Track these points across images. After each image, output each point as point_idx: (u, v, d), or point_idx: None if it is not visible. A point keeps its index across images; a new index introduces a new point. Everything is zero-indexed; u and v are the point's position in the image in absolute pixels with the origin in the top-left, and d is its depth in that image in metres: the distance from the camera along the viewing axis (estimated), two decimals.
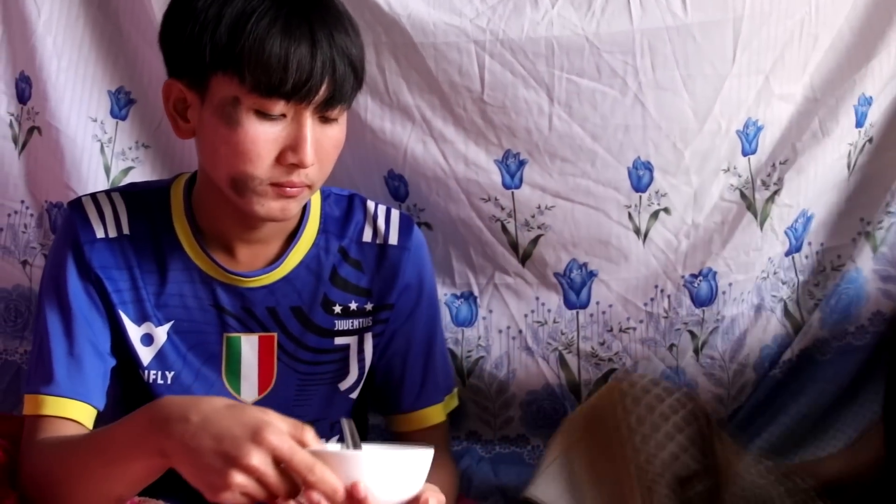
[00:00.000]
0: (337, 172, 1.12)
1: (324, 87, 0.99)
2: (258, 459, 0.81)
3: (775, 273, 1.42)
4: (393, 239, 1.19)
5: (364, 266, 1.19)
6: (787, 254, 1.43)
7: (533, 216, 1.38)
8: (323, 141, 1.03)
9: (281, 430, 0.82)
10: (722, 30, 1.33)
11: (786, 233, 1.41)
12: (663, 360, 1.41)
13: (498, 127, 1.35)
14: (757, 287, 1.42)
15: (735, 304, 1.40)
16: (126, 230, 1.13)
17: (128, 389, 1.18)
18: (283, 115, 1.00)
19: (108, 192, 1.15)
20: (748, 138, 1.40)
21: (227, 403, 0.87)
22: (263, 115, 0.99)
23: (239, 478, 0.81)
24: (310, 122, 1.01)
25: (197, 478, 0.85)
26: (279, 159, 1.01)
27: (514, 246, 1.40)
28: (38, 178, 1.48)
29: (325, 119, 1.03)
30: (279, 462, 0.81)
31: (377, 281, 1.19)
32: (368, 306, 1.19)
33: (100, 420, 1.13)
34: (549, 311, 1.42)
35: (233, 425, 0.83)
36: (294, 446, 0.82)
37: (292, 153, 1.00)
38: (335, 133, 1.05)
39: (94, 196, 1.14)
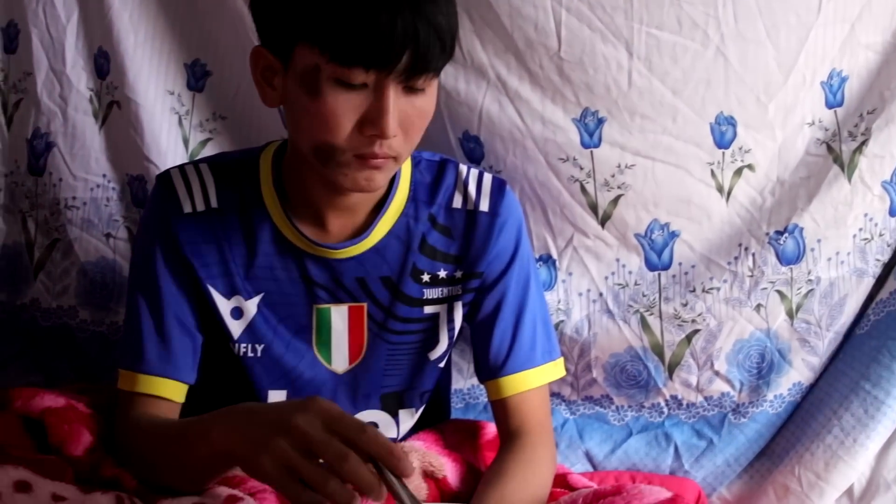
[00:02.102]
0: None
1: (406, 56, 0.95)
2: (305, 421, 0.80)
3: (881, 235, 1.38)
4: (483, 205, 1.16)
5: (453, 233, 1.16)
6: (893, 213, 1.38)
7: (613, 176, 1.36)
8: (408, 111, 0.99)
9: (330, 400, 0.82)
10: None
11: (883, 186, 1.36)
12: (750, 321, 1.38)
13: (575, 84, 1.32)
14: (860, 249, 1.37)
15: (831, 265, 1.36)
16: (214, 203, 1.12)
17: (219, 362, 1.19)
18: (365, 85, 0.97)
19: (196, 164, 1.15)
20: (832, 90, 1.35)
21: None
22: (344, 84, 0.96)
23: (283, 443, 0.80)
24: (392, 92, 0.97)
25: (242, 453, 0.85)
26: (360, 130, 0.98)
27: (593, 207, 1.38)
28: (119, 152, 1.51)
29: (410, 89, 0.99)
30: (329, 427, 0.80)
31: (466, 248, 1.16)
32: (458, 274, 1.17)
33: (192, 393, 1.15)
34: (629, 272, 1.40)
35: (285, 403, 0.85)
36: (343, 412, 0.81)
37: (372, 124, 0.97)
38: (422, 104, 1.01)
39: (182, 169, 1.14)
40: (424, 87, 1.00)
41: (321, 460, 0.81)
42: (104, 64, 1.48)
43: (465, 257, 1.16)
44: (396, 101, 0.97)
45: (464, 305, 1.19)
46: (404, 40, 0.94)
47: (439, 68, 0.99)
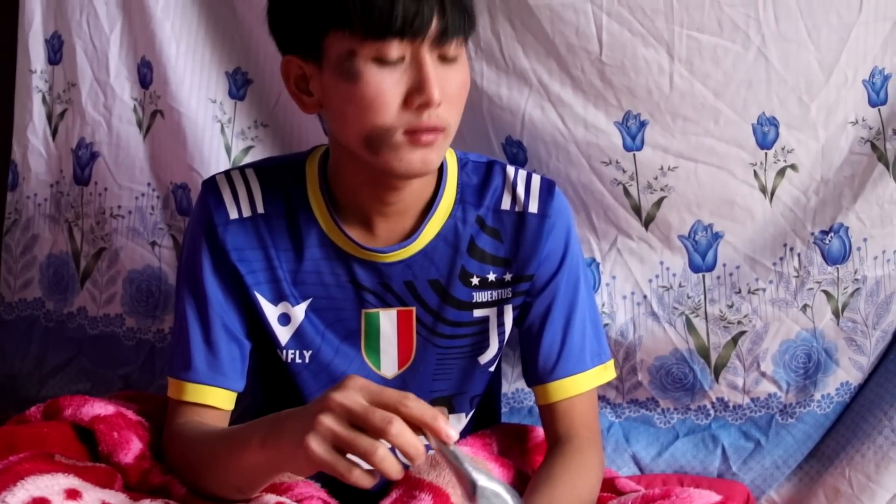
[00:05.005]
0: (453, 141, 1.09)
1: (434, 21, 0.96)
2: (343, 396, 0.82)
3: None
4: (533, 207, 1.16)
5: (502, 235, 1.16)
6: None
7: (655, 178, 1.35)
8: (446, 81, 0.99)
9: (366, 379, 0.84)
10: None
11: None
12: (797, 322, 1.37)
13: (617, 88, 1.32)
14: None
15: (877, 263, 1.35)
16: (260, 209, 1.12)
17: (266, 368, 1.20)
18: (402, 59, 0.97)
19: (241, 169, 1.14)
20: (875, 88, 1.34)
21: None
22: (382, 61, 0.97)
23: (326, 419, 0.81)
24: (429, 60, 0.97)
25: (287, 443, 0.86)
26: (406, 104, 0.98)
27: (636, 209, 1.38)
28: (163, 161, 1.52)
29: (444, 59, 0.99)
30: (371, 399, 0.82)
31: (516, 250, 1.15)
32: (507, 277, 1.16)
33: (241, 400, 1.15)
34: (674, 275, 1.39)
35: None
36: (383, 387, 0.82)
37: (417, 93, 0.97)
38: (457, 74, 1.01)
39: (227, 174, 1.14)
40: (456, 55, 1.00)
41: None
42: (147, 74, 1.50)
43: (515, 260, 1.16)
44: (435, 70, 0.98)
45: (514, 309, 1.18)
46: (430, 6, 0.95)
47: (467, 33, 1.00)
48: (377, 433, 0.80)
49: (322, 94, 1.03)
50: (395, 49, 0.96)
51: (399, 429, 0.80)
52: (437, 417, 0.81)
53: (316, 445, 0.82)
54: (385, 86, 0.97)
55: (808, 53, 1.30)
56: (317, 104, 1.05)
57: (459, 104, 1.03)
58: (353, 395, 0.82)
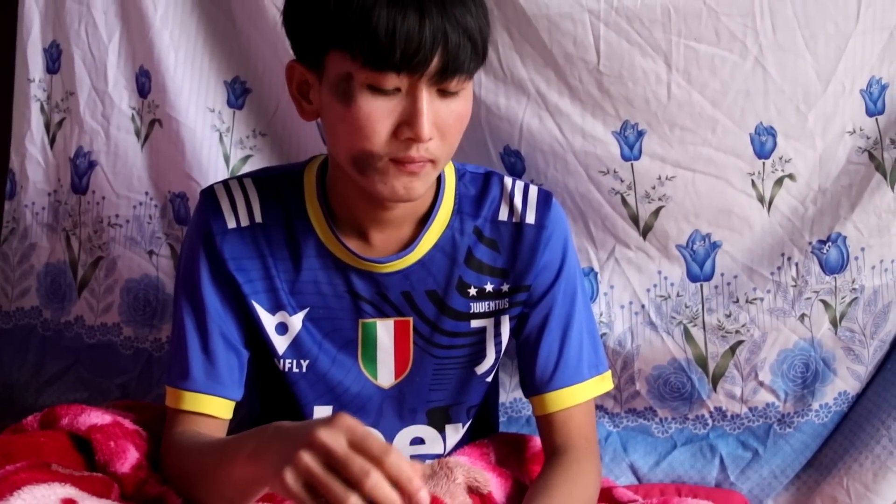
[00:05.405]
0: None
1: (436, 59, 0.94)
2: (328, 435, 0.80)
3: None
4: (530, 217, 1.16)
5: (500, 246, 1.16)
6: None
7: (653, 187, 1.35)
8: (442, 114, 0.99)
9: (358, 421, 0.82)
10: None
11: None
12: (794, 331, 1.37)
13: (615, 97, 1.33)
14: None
15: (875, 273, 1.35)
16: (258, 218, 1.12)
17: (264, 377, 1.20)
18: (398, 90, 0.96)
19: (240, 179, 1.15)
20: (872, 98, 1.35)
21: None
22: (377, 89, 0.96)
23: (306, 456, 0.80)
24: (425, 95, 0.96)
25: (266, 467, 0.85)
26: (396, 134, 0.97)
27: (634, 219, 1.38)
28: (161, 170, 1.52)
29: (443, 92, 0.99)
30: (354, 444, 0.80)
31: (513, 261, 1.15)
32: (504, 287, 1.16)
33: (239, 409, 1.15)
34: (671, 284, 1.39)
35: (314, 419, 0.84)
36: (368, 430, 0.80)
37: (408, 127, 0.96)
38: (457, 107, 1.00)
39: (226, 184, 1.14)
40: (458, 89, 0.99)
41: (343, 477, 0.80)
42: (145, 83, 1.50)
43: (512, 270, 1.16)
44: (431, 104, 0.97)
45: (511, 319, 1.18)
46: (433, 43, 0.93)
47: (472, 71, 0.98)
48: (353, 481, 0.79)
49: (319, 106, 1.03)
50: (392, 80, 0.95)
51: (376, 481, 0.78)
52: (413, 480, 0.79)
53: (291, 480, 0.80)
54: (377, 114, 0.97)
55: (805, 63, 1.30)
56: (314, 113, 1.05)
57: (453, 137, 1.02)
58: (338, 436, 0.80)
